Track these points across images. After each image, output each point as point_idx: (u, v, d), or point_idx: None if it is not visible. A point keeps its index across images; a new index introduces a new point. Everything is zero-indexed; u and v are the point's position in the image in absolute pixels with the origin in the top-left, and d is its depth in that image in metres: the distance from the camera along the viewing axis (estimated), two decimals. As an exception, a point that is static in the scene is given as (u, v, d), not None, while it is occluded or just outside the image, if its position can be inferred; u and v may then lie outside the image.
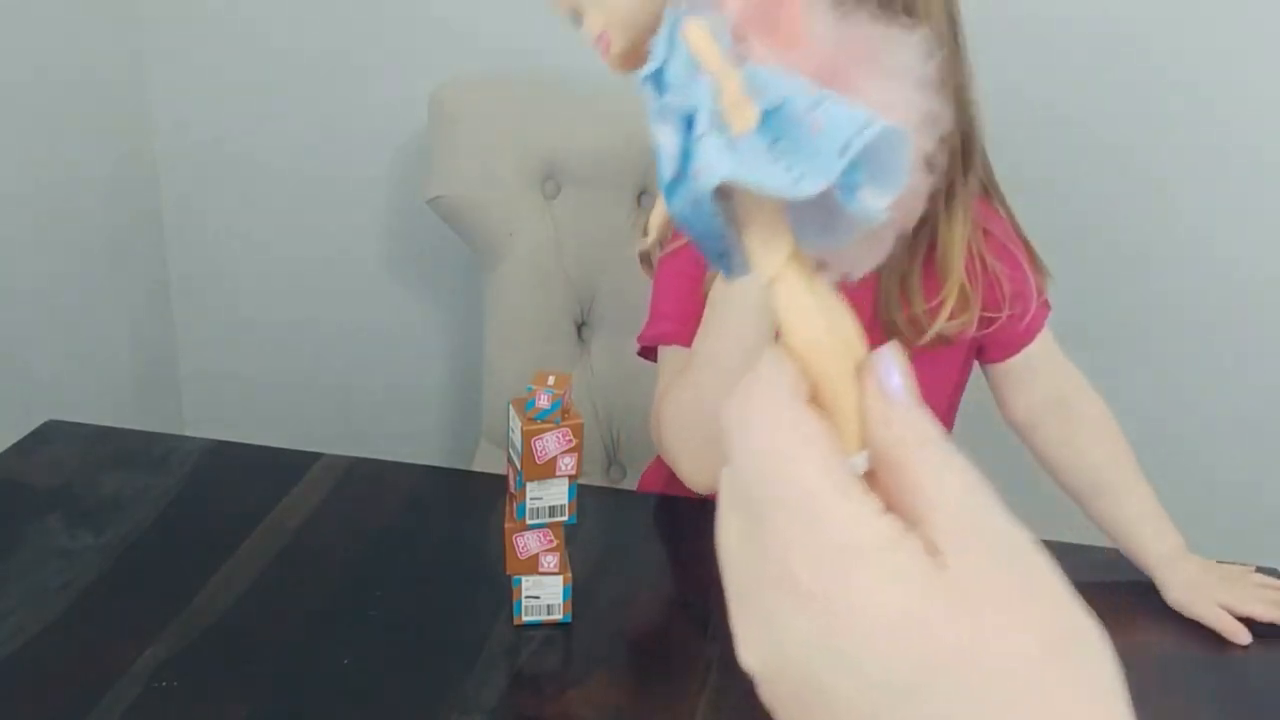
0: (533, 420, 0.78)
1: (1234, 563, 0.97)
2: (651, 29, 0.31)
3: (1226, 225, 1.37)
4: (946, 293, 0.93)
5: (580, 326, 1.36)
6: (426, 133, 1.35)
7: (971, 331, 0.97)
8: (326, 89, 1.49)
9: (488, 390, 1.38)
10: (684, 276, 1.01)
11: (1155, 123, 1.34)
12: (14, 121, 1.32)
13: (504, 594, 0.85)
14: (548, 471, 0.79)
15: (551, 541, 0.83)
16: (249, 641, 0.83)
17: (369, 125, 1.49)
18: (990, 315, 0.97)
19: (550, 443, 0.79)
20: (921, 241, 0.94)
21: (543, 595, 0.84)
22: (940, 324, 0.93)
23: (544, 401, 0.78)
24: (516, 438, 0.80)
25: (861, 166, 0.28)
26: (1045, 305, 1.03)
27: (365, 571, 0.91)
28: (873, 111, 0.28)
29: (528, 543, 0.82)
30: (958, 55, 0.93)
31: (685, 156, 0.30)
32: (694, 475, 0.97)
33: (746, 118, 0.29)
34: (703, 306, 0.98)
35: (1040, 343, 1.02)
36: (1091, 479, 1.01)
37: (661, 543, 1.03)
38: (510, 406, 0.80)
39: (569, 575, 0.84)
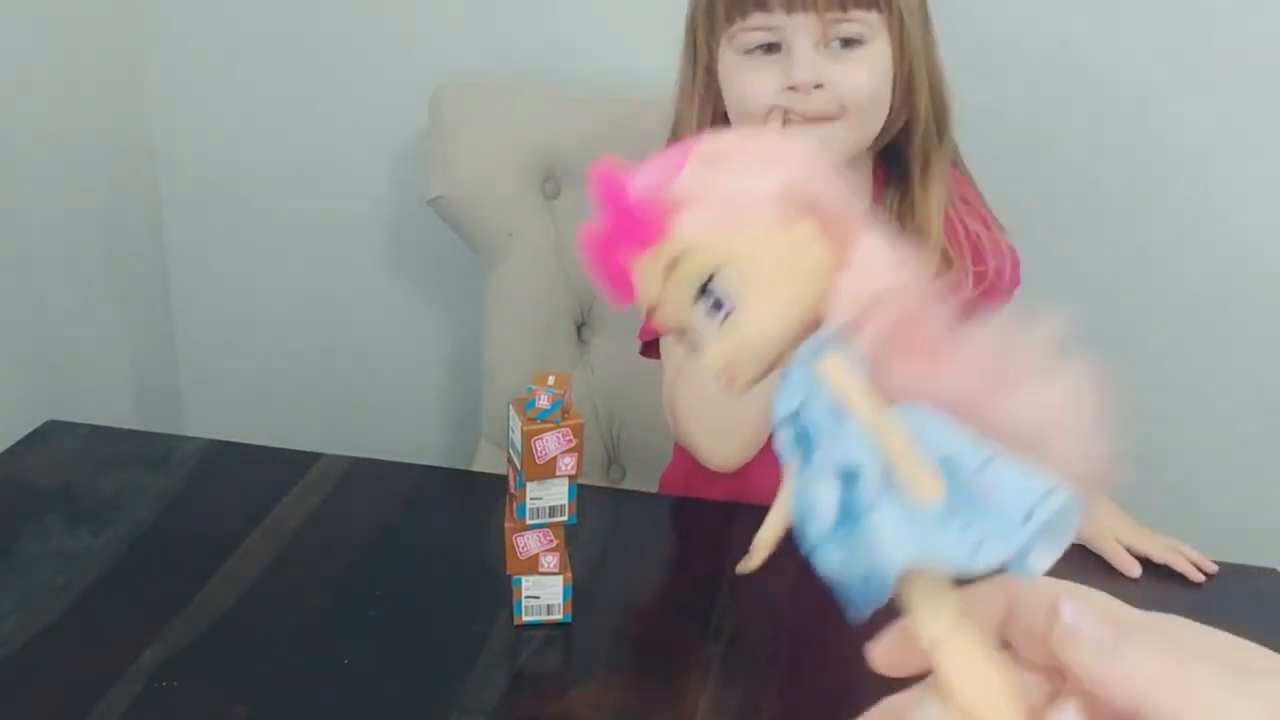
0: (533, 420, 0.78)
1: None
2: (778, 362, 0.30)
3: (1223, 226, 1.37)
4: (928, 252, 0.96)
5: (580, 326, 1.36)
6: (426, 133, 1.35)
7: (968, 290, 0.99)
8: (326, 89, 1.49)
9: (488, 390, 1.38)
10: None
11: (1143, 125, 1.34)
12: (14, 121, 1.32)
13: (504, 594, 0.85)
14: (548, 471, 0.79)
15: (551, 541, 0.83)
16: (249, 641, 0.83)
17: (369, 125, 1.49)
18: (980, 269, 1.00)
19: (550, 443, 0.79)
20: (905, 212, 0.98)
21: (543, 595, 0.84)
22: None
23: (544, 401, 0.78)
24: (516, 438, 0.80)
25: (1037, 533, 0.27)
26: (1015, 262, 1.04)
27: (365, 571, 0.91)
28: (1048, 477, 0.27)
29: (528, 543, 0.82)
30: (927, 28, 0.96)
31: (848, 514, 0.29)
32: (714, 456, 0.98)
33: (932, 489, 0.27)
34: None
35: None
36: None
37: (661, 543, 1.03)
38: (510, 406, 0.80)
39: (569, 575, 0.84)
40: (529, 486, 0.80)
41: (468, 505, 1.03)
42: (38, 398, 1.36)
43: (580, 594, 0.85)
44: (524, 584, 0.84)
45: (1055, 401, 0.28)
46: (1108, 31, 1.31)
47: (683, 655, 0.83)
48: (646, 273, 0.32)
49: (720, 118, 0.98)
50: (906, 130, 0.98)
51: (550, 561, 0.83)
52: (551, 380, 0.78)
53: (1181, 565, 0.95)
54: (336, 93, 1.49)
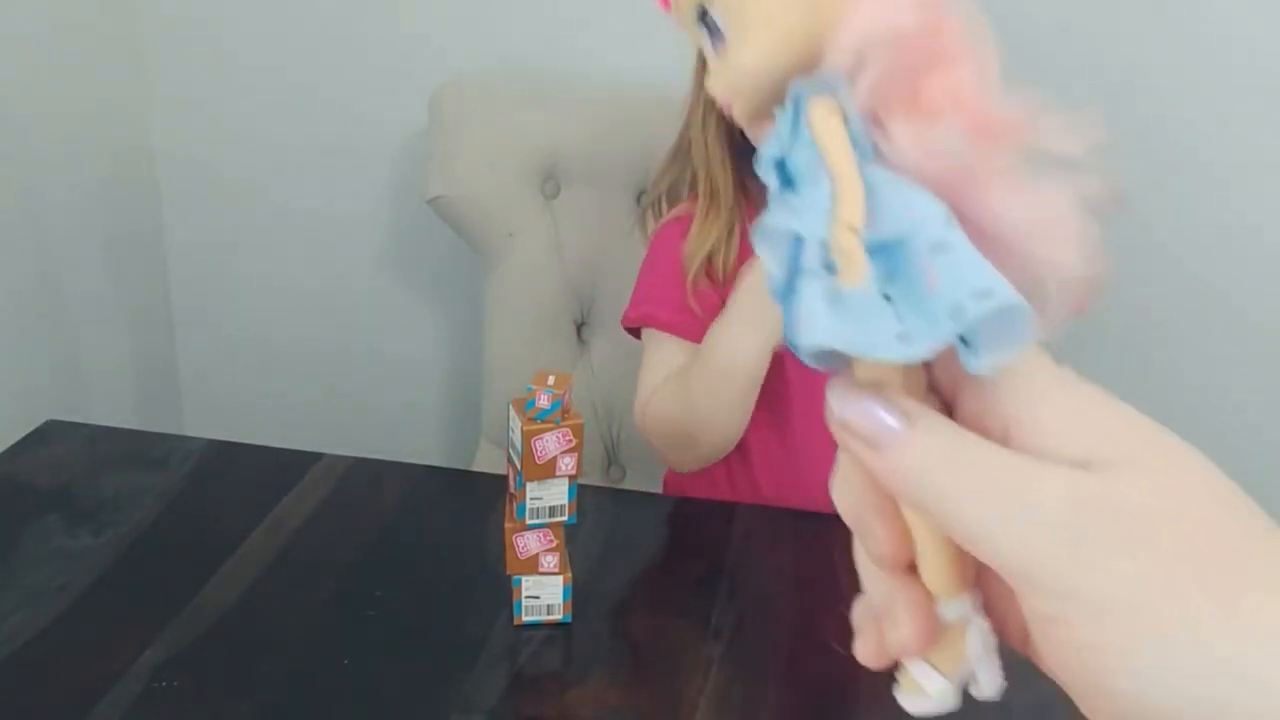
0: (533, 420, 0.78)
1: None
2: (776, 97, 0.28)
3: (1220, 227, 1.37)
4: None
5: (580, 326, 1.36)
6: (426, 133, 1.35)
7: None
8: (326, 89, 1.49)
9: (488, 390, 1.38)
10: (678, 258, 1.02)
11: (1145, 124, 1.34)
12: (14, 122, 1.32)
13: (504, 594, 0.85)
14: (548, 471, 0.79)
15: (551, 541, 0.83)
16: (249, 641, 0.83)
17: (369, 125, 1.49)
18: None
19: (550, 443, 0.79)
20: None
21: (543, 595, 0.84)
22: None
23: (544, 401, 0.78)
24: (516, 438, 0.80)
25: (978, 332, 0.26)
26: None
27: (365, 571, 0.91)
28: (995, 276, 0.25)
29: (528, 543, 0.82)
30: None
31: (789, 281, 0.27)
32: (680, 465, 1.09)
33: (857, 272, 0.26)
34: (704, 309, 1.00)
35: None
36: None
37: (661, 543, 1.03)
38: (510, 406, 0.80)
39: (569, 575, 0.84)
40: (529, 486, 0.80)
41: (468, 505, 1.03)
42: (38, 398, 1.36)
43: (580, 594, 0.85)
44: (524, 584, 0.84)
45: (1052, 204, 0.26)
46: (1107, 17, 1.31)
47: (683, 655, 0.83)
48: None
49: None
50: None
51: (550, 561, 0.83)
52: (551, 380, 0.78)
53: None
54: (337, 92, 1.49)
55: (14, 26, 1.30)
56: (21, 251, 1.35)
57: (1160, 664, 0.23)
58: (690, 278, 1.01)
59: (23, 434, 1.08)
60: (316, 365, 1.64)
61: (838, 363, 0.28)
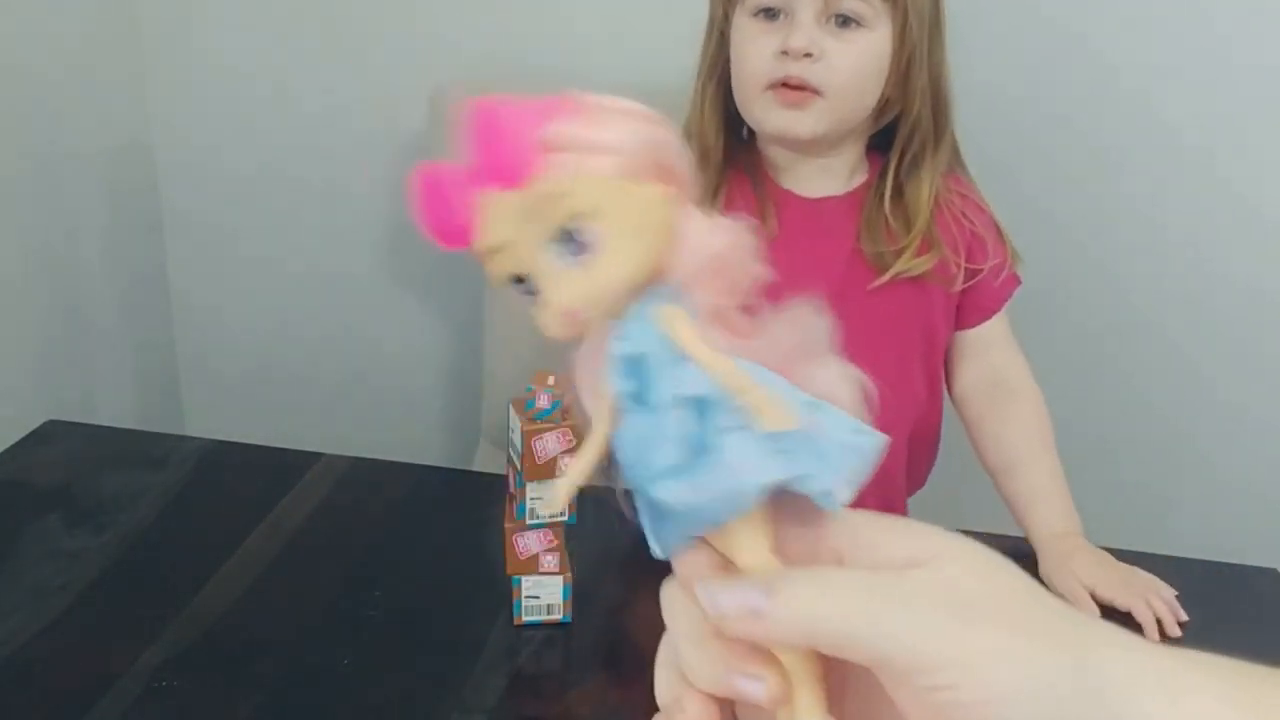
0: (533, 420, 0.78)
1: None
2: (619, 307, 0.32)
3: (1219, 225, 1.37)
4: (913, 235, 1.01)
5: (580, 326, 1.36)
6: (426, 133, 1.35)
7: (957, 273, 1.02)
8: (326, 89, 1.49)
9: (488, 390, 1.38)
10: None
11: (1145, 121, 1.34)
12: (13, 122, 1.32)
13: (504, 594, 0.85)
14: (548, 471, 0.79)
15: (551, 541, 0.83)
16: (249, 641, 0.83)
17: (369, 125, 1.49)
18: (974, 268, 1.03)
19: (550, 443, 0.79)
20: (895, 199, 1.02)
21: (543, 595, 0.84)
22: (907, 260, 1.01)
23: (544, 401, 0.78)
24: (516, 438, 0.80)
25: (848, 468, 0.31)
26: (1015, 278, 1.08)
27: (365, 571, 0.91)
28: (859, 422, 0.32)
29: (528, 543, 0.82)
30: (939, 40, 1.01)
31: (696, 445, 0.31)
32: None
33: (787, 418, 0.30)
34: None
35: (998, 322, 1.08)
36: (1006, 456, 1.04)
37: (661, 543, 1.03)
38: (510, 406, 0.80)
39: (569, 575, 0.84)
40: (529, 486, 0.80)
41: (468, 505, 1.03)
42: (38, 398, 1.36)
43: (580, 594, 0.85)
44: (524, 584, 0.84)
45: (833, 380, 0.33)
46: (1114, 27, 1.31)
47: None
48: (500, 213, 0.34)
49: (726, 73, 1.02)
50: (900, 122, 1.02)
51: (550, 561, 0.83)
52: (551, 380, 0.79)
53: (1145, 617, 0.89)
54: (337, 93, 1.49)
55: (13, 26, 1.31)
56: (21, 251, 1.35)
57: (1034, 711, 0.28)
58: None
59: (23, 434, 1.08)
60: (317, 365, 1.64)
61: (686, 540, 0.34)
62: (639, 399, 0.32)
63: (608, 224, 0.32)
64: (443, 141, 1.33)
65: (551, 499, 0.33)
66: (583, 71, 1.40)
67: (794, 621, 0.30)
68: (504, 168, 0.33)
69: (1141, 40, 1.31)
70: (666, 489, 0.32)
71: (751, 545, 0.32)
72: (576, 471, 0.36)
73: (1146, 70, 1.32)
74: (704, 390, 0.31)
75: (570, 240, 0.32)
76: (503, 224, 0.34)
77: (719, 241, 0.33)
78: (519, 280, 0.34)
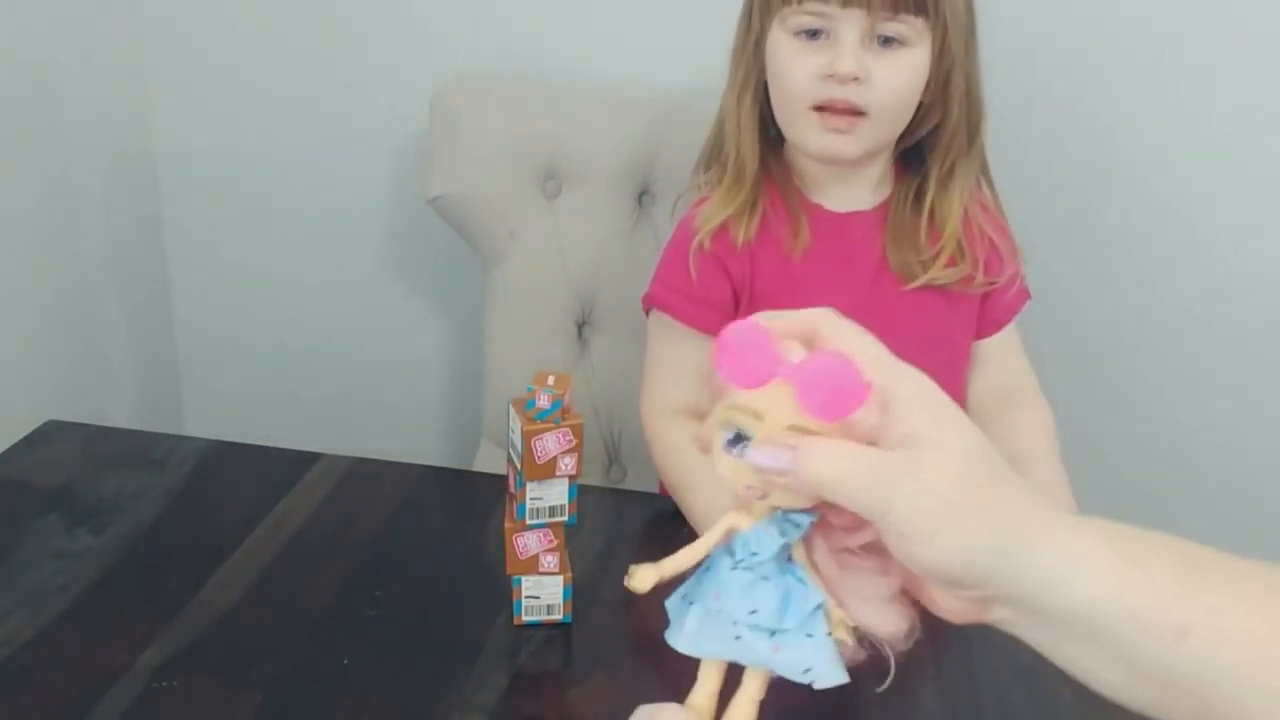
0: (533, 420, 0.78)
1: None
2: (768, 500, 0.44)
3: (1223, 226, 1.37)
4: (944, 244, 1.02)
5: (580, 326, 1.36)
6: (427, 133, 1.35)
7: (977, 284, 1.03)
8: (327, 89, 1.49)
9: (488, 390, 1.38)
10: (702, 255, 1.02)
11: (1152, 121, 1.34)
12: (13, 120, 1.32)
13: (504, 594, 0.85)
14: (548, 471, 0.79)
15: (551, 541, 0.83)
16: (249, 641, 0.83)
17: (369, 125, 1.49)
18: (992, 280, 1.04)
19: (550, 443, 0.79)
20: (923, 208, 1.03)
21: (543, 595, 0.84)
22: (938, 270, 1.01)
23: (544, 401, 0.78)
24: (516, 438, 0.80)
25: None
26: (1025, 292, 1.08)
27: (365, 571, 0.91)
28: (815, 663, 0.47)
29: (528, 543, 0.82)
30: (973, 47, 1.01)
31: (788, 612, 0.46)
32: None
33: (845, 636, 0.46)
34: (706, 288, 1.02)
35: (1009, 334, 1.09)
36: (1010, 460, 1.03)
37: (661, 543, 1.03)
38: (510, 406, 0.80)
39: (569, 575, 0.84)
40: (529, 486, 0.80)
41: (468, 505, 1.03)
42: (38, 398, 1.36)
43: (580, 594, 0.85)
44: (524, 584, 0.84)
45: (885, 617, 0.45)
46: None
47: (683, 655, 0.83)
48: (717, 407, 0.44)
49: (761, 85, 1.02)
50: (937, 132, 1.02)
51: (550, 561, 0.83)
52: (551, 380, 0.78)
53: None
54: (337, 92, 1.49)
55: (13, 25, 1.30)
56: (21, 251, 1.35)
57: (965, 563, 0.42)
58: (699, 238, 1.02)
59: (23, 434, 1.08)
60: (317, 365, 1.64)
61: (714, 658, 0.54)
62: (761, 567, 0.46)
63: (756, 439, 0.43)
64: (443, 141, 1.34)
65: (636, 583, 0.51)
66: (585, 71, 1.40)
67: (813, 477, 0.41)
68: (731, 376, 0.43)
69: (1142, 40, 1.31)
70: (758, 638, 0.48)
71: (711, 680, 0.54)
72: (670, 565, 0.51)
73: (1148, 71, 1.32)
74: (807, 587, 0.46)
75: (741, 440, 0.43)
76: (712, 414, 0.44)
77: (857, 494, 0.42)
78: (739, 437, 0.43)
